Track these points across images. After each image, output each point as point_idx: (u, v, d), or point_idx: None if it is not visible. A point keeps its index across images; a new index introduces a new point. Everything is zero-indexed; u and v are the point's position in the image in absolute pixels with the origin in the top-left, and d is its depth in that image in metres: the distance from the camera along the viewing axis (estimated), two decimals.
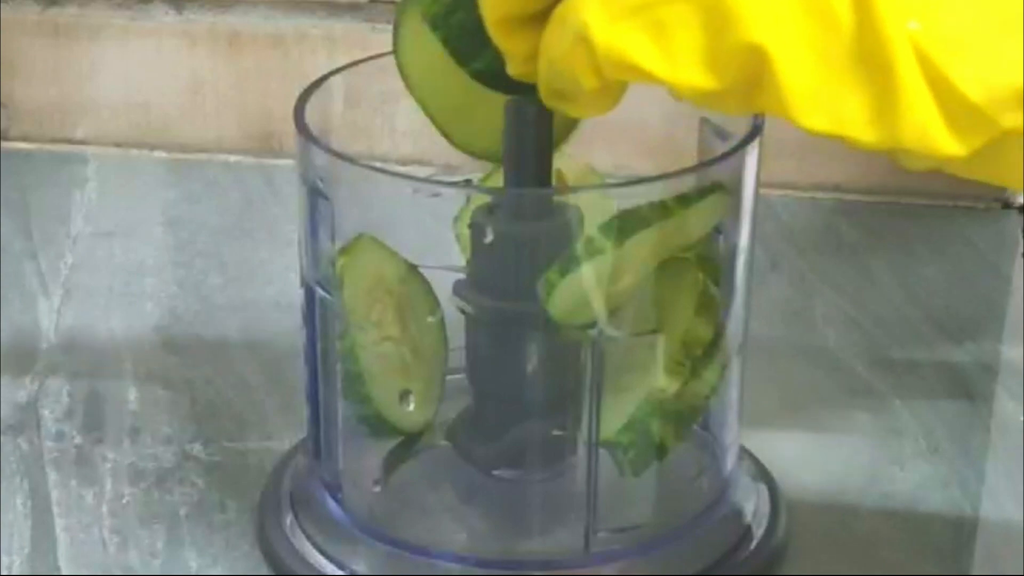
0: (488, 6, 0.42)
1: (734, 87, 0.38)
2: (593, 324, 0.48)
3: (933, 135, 0.36)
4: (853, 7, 0.36)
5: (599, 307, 0.47)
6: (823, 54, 0.37)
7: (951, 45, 0.36)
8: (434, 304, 0.52)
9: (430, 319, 0.52)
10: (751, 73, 0.37)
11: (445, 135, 0.51)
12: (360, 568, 0.51)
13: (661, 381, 0.49)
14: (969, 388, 0.63)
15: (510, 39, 0.42)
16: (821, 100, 0.37)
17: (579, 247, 0.47)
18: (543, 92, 0.43)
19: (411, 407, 0.51)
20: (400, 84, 0.51)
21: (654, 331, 0.48)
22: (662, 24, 0.37)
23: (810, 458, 0.58)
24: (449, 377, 0.52)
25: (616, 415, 0.49)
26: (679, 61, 0.38)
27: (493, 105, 0.48)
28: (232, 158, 0.81)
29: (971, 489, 0.57)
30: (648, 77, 0.38)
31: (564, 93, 0.42)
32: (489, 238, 0.48)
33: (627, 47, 0.38)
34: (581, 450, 0.50)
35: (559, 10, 0.40)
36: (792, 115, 0.37)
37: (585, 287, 0.47)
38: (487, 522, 0.52)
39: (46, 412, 0.60)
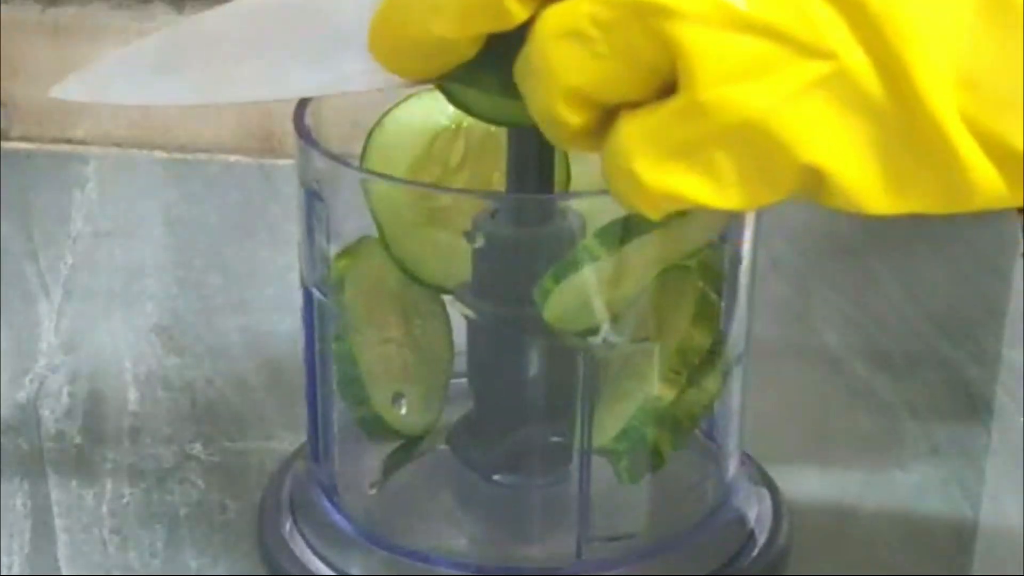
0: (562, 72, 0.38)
1: (792, 197, 0.38)
2: (590, 331, 0.47)
3: (1000, 195, 0.37)
4: (892, 96, 0.36)
5: (596, 314, 0.47)
6: (878, 149, 0.37)
7: (996, 104, 0.37)
8: (439, 307, 0.52)
9: (434, 322, 0.52)
10: (809, 185, 0.37)
11: (398, 261, 0.50)
12: (356, 572, 0.50)
13: (657, 389, 0.49)
14: (969, 388, 0.63)
15: (574, 113, 0.39)
16: (887, 190, 0.37)
17: (575, 253, 0.47)
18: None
19: (403, 410, 0.51)
20: None
21: (650, 339, 0.48)
22: (709, 160, 0.37)
23: (810, 459, 0.58)
24: (455, 381, 0.52)
25: (612, 422, 0.49)
26: (733, 191, 0.38)
27: (446, 240, 0.49)
28: (232, 158, 0.81)
29: (971, 489, 0.57)
30: (704, 206, 0.38)
31: None
32: (479, 243, 0.48)
33: (682, 188, 0.38)
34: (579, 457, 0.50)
35: (606, 150, 0.39)
36: (861, 208, 0.37)
37: (580, 293, 0.47)
38: (485, 527, 0.52)
39: (46, 412, 0.60)
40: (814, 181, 0.37)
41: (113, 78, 0.46)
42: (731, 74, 0.36)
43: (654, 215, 0.39)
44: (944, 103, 0.36)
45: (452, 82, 0.43)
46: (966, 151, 0.37)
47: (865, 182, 0.37)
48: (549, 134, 0.40)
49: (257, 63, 0.44)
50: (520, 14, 0.38)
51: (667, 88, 0.37)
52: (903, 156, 0.37)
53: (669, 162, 0.38)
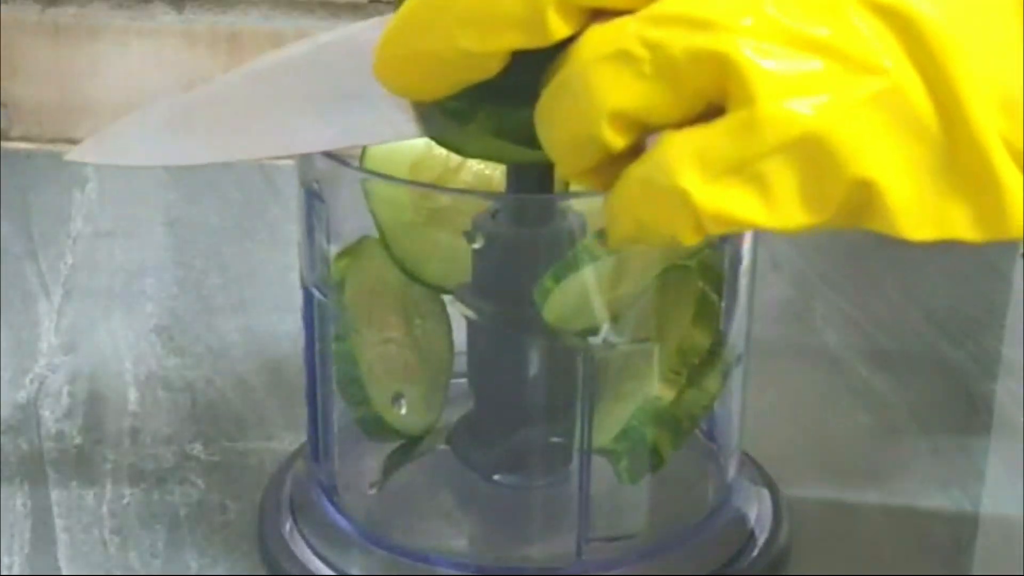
0: (604, 93, 0.37)
1: (838, 217, 0.37)
2: (590, 331, 0.47)
3: None
4: (939, 116, 0.36)
5: (596, 314, 0.47)
6: (924, 169, 0.36)
7: None
8: (439, 307, 0.52)
9: (434, 322, 0.52)
10: (857, 203, 0.37)
11: (398, 261, 0.50)
12: (356, 572, 0.50)
13: (657, 389, 0.49)
14: (969, 388, 0.63)
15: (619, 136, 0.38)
16: (928, 213, 0.37)
17: (575, 253, 0.47)
18: (612, 235, 0.40)
19: (403, 410, 0.51)
20: None
21: (650, 339, 0.48)
22: (763, 176, 0.36)
23: (810, 459, 0.58)
24: (455, 381, 0.52)
25: (612, 422, 0.49)
26: (784, 208, 0.37)
27: (446, 240, 0.49)
28: None
29: (971, 489, 0.57)
30: (753, 227, 0.37)
31: (642, 240, 0.40)
32: (479, 243, 0.48)
33: (732, 206, 0.37)
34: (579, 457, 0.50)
35: (640, 173, 0.38)
36: (900, 232, 0.37)
37: (580, 293, 0.47)
38: (485, 527, 0.52)
39: (46, 412, 0.60)
40: (862, 199, 0.37)
41: (127, 141, 0.46)
42: (788, 89, 0.36)
43: (692, 240, 0.37)
44: (989, 126, 0.36)
45: (447, 118, 0.42)
46: (1007, 176, 0.36)
47: (910, 203, 0.37)
48: (566, 165, 0.39)
49: (268, 120, 0.44)
50: (560, 31, 0.37)
51: (708, 112, 0.37)
52: (946, 178, 0.36)
53: (721, 180, 0.37)
